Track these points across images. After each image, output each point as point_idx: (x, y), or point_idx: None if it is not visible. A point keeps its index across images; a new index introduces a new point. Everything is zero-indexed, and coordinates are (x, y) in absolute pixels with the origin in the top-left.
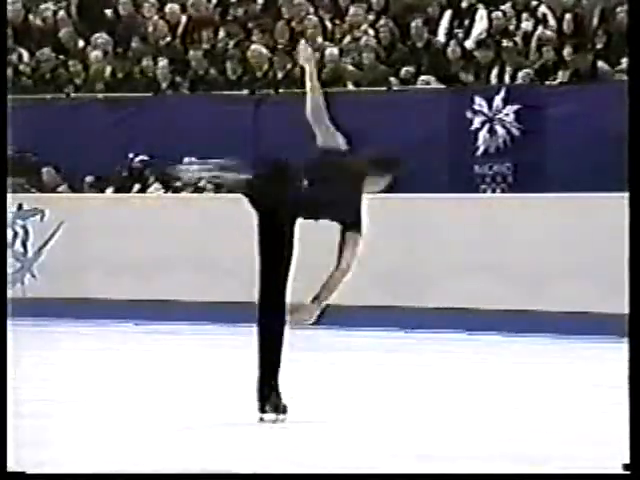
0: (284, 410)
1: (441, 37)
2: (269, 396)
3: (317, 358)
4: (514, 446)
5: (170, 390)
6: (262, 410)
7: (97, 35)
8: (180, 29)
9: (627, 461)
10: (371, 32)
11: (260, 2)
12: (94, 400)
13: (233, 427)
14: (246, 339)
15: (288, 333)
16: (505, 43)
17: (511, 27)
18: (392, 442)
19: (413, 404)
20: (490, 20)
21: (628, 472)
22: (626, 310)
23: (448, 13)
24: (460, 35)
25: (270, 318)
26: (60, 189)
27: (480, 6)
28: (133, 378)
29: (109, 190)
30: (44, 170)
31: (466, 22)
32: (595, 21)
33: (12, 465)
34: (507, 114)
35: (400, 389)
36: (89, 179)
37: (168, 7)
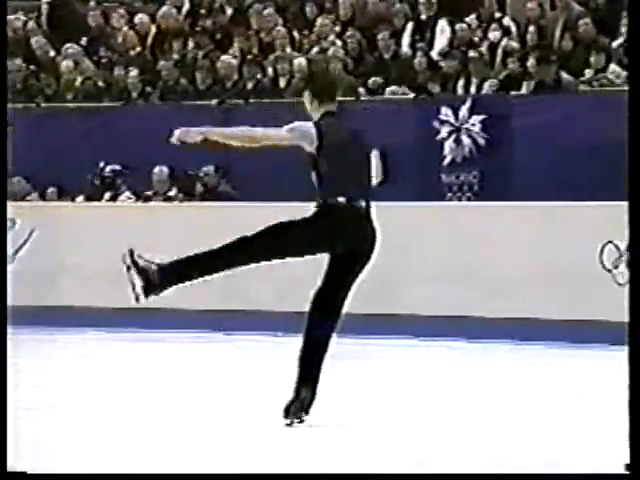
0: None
1: (405, 49)
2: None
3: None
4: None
5: (154, 394)
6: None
7: (68, 45)
8: (150, 39)
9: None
10: (339, 43)
11: (229, 14)
12: (77, 406)
13: (221, 430)
14: (218, 346)
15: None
16: (471, 54)
17: (476, 38)
18: (372, 447)
19: (384, 411)
20: (454, 31)
21: (628, 472)
22: (588, 317)
23: (410, 25)
24: (424, 47)
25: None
26: (30, 198)
27: (441, 19)
28: (114, 383)
29: (80, 199)
30: (14, 180)
31: (428, 34)
32: (558, 33)
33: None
34: (473, 124)
35: (366, 395)
36: (59, 188)
37: (137, 18)
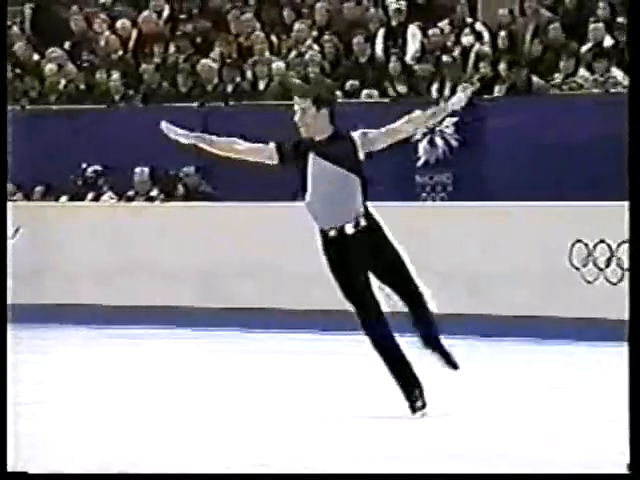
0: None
1: (378, 53)
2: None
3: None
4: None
5: (151, 392)
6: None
7: (51, 49)
8: (131, 44)
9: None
10: (316, 47)
11: (209, 19)
12: (74, 404)
13: (219, 429)
14: (196, 342)
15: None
16: (444, 58)
17: (449, 43)
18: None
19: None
20: (427, 37)
21: (629, 472)
22: (558, 314)
23: (381, 31)
24: (398, 52)
25: (373, 329)
26: (15, 198)
27: (411, 24)
28: (109, 382)
29: (63, 199)
30: None
31: (400, 40)
32: (528, 38)
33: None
34: (447, 126)
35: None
36: (43, 189)
37: (119, 22)
